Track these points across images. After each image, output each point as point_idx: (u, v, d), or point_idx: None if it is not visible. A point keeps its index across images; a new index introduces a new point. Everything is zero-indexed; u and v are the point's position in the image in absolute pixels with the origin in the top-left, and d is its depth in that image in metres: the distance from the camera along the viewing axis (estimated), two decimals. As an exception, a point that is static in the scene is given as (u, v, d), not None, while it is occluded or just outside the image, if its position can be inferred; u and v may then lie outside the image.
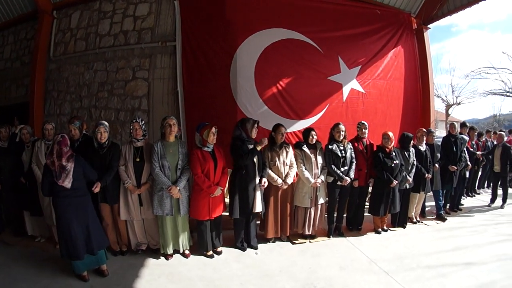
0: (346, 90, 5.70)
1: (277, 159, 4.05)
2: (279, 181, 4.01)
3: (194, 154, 3.59)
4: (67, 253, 3.05)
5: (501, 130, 8.50)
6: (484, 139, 7.44)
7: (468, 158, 5.72)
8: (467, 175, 6.03)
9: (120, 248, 3.79)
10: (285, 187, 4.07)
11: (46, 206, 3.69)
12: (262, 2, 5.44)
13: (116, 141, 4.40)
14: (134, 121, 3.62)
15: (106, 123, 3.61)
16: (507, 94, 19.48)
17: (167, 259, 3.67)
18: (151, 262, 3.60)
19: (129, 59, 5.76)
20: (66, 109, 6.27)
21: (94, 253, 3.12)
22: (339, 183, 4.25)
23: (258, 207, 3.91)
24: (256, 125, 3.87)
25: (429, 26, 7.01)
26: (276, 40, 5.39)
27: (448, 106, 20.65)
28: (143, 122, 3.68)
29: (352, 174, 4.31)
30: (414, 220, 5.17)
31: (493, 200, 6.36)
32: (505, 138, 8.21)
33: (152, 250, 3.82)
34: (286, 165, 4.10)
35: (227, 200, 4.04)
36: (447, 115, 20.96)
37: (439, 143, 5.56)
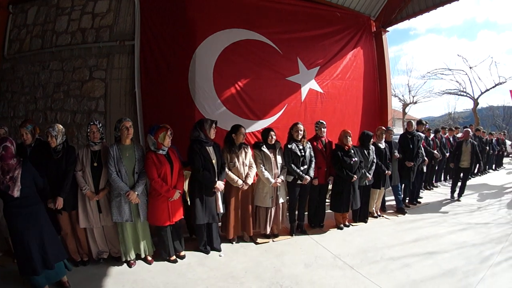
0: (304, 90, 5.82)
1: (236, 160, 4.04)
2: (239, 182, 4.00)
3: (149, 158, 3.47)
4: (24, 269, 2.83)
5: (456, 127, 9.03)
6: (439, 135, 7.83)
7: (424, 154, 6.00)
8: (425, 170, 6.33)
9: (82, 258, 3.61)
10: (245, 187, 4.06)
11: (1, 217, 3.41)
12: (222, 2, 5.44)
13: (73, 144, 4.23)
14: (92, 123, 3.49)
15: (57, 126, 3.39)
16: (461, 93, 20.90)
17: (130, 266, 3.54)
18: (114, 270, 3.47)
19: (86, 58, 5.55)
20: (21, 111, 5.95)
21: (51, 267, 2.91)
22: (299, 182, 4.31)
23: (220, 208, 3.90)
24: (214, 125, 3.84)
25: (387, 29, 7.32)
26: (235, 40, 5.41)
27: (405, 105, 21.83)
28: (100, 124, 3.55)
29: (311, 173, 4.38)
30: (375, 215, 5.35)
31: (453, 192, 6.71)
32: (460, 134, 8.77)
33: (114, 258, 3.68)
34: (246, 165, 4.10)
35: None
36: (404, 113, 22.11)
37: (397, 140, 5.77)
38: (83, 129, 5.21)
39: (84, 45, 5.55)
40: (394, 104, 22.75)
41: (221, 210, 3.92)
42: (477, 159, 6.58)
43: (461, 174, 6.62)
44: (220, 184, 3.80)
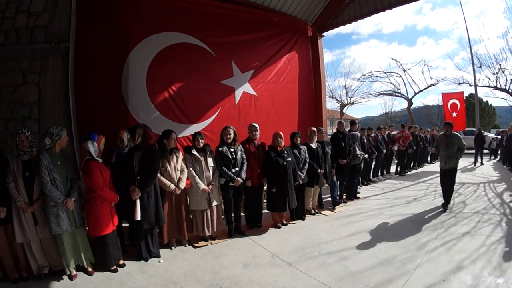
0: (238, 94, 5.93)
1: (167, 165, 4.02)
2: (172, 186, 3.99)
3: (95, 167, 3.35)
4: None
5: (391, 125, 9.71)
6: (373, 134, 8.36)
7: (360, 151, 6.36)
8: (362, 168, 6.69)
9: (21, 274, 3.39)
10: (178, 192, 4.06)
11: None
12: (157, 5, 5.36)
13: (6, 154, 3.94)
14: (20, 132, 3.34)
15: None
16: (396, 94, 22.76)
17: (71, 279, 3.40)
18: (55, 285, 3.30)
19: (19, 60, 5.15)
20: None
21: None
22: (231, 184, 4.38)
23: (137, 215, 3.71)
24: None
25: (324, 34, 7.69)
26: (169, 44, 5.36)
27: (342, 106, 23.05)
28: (29, 132, 3.40)
29: (243, 175, 4.46)
30: (312, 212, 5.53)
31: None
32: (394, 132, 9.42)
33: (54, 272, 3.49)
34: (177, 170, 4.09)
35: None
36: (342, 113, 23.40)
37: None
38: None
39: (18, 46, 5.17)
40: (333, 105, 24.25)
41: (138, 218, 3.72)
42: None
43: None
44: (134, 190, 3.67)
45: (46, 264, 3.50)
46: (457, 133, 5.59)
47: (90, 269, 3.55)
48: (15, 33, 5.21)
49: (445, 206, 5.56)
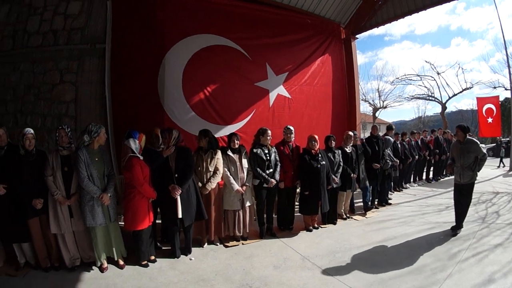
0: (272, 96, 5.95)
1: (200, 164, 4.09)
2: (199, 184, 4.04)
3: (137, 164, 3.47)
4: None
5: (425, 130, 9.38)
6: (408, 138, 8.08)
7: (393, 157, 6.19)
8: (393, 174, 6.48)
9: (52, 264, 3.55)
10: (205, 192, 4.08)
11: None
12: (193, 7, 5.50)
13: (43, 149, 4.18)
14: (60, 128, 3.50)
15: (31, 130, 3.44)
16: (430, 98, 21.81)
17: (102, 271, 3.51)
18: (86, 276, 3.43)
19: (57, 60, 5.47)
20: (-11, 114, 5.77)
21: None
22: (265, 185, 4.39)
23: (178, 213, 3.81)
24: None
25: (357, 36, 7.56)
26: (205, 46, 5.48)
27: (375, 110, 22.32)
28: (69, 129, 3.56)
29: (277, 176, 4.46)
30: (344, 216, 5.44)
31: None
32: (428, 138, 9.09)
33: (86, 264, 3.63)
34: (209, 171, 4.11)
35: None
36: (374, 117, 22.64)
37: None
38: (54, 133, 5.13)
39: (56, 47, 5.48)
40: (366, 109, 23.47)
41: (180, 215, 3.82)
42: None
43: None
44: (175, 188, 3.74)
45: (78, 256, 3.62)
46: (474, 139, 4.66)
47: (121, 262, 3.63)
48: (52, 34, 5.50)
49: (455, 230, 4.62)
